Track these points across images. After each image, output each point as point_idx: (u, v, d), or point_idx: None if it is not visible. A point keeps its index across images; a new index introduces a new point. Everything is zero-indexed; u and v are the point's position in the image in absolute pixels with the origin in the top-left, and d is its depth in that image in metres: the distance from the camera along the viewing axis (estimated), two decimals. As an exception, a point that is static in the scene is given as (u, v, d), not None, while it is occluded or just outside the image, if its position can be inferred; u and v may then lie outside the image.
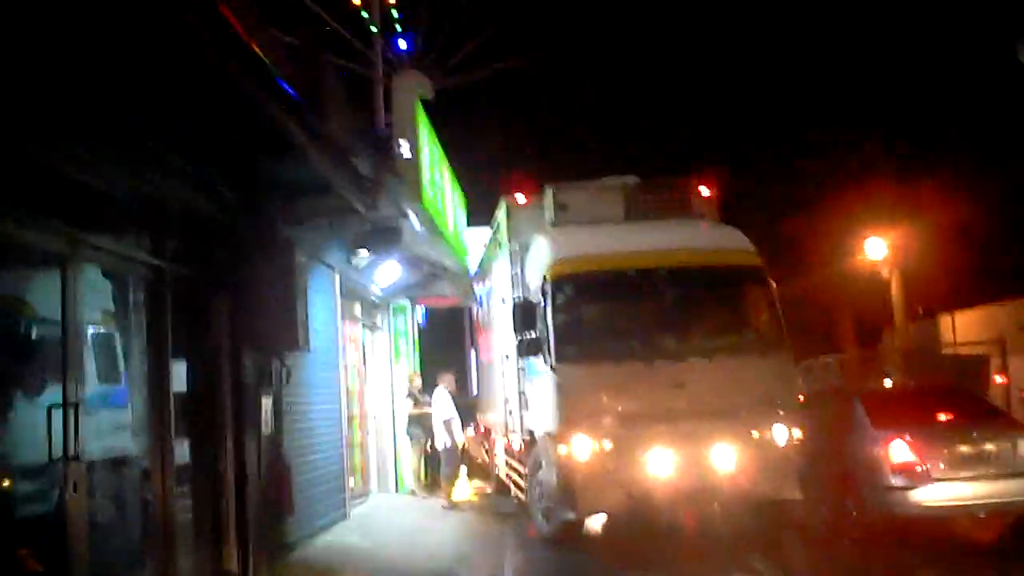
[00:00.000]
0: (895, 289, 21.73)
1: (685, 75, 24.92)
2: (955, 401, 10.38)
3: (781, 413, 9.21)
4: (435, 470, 14.24)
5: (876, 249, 21.98)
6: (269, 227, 8.04)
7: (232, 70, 5.45)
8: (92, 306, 8.38)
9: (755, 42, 24.15)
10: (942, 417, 9.72)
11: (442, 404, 13.45)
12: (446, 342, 21.50)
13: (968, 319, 20.71)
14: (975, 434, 9.07)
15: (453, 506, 12.87)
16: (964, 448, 8.94)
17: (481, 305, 15.67)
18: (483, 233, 16.10)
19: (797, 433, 9.25)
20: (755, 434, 9.15)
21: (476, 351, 17.98)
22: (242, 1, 5.52)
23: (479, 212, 15.97)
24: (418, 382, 14.46)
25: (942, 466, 8.80)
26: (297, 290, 7.97)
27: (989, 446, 8.94)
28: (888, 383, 16.84)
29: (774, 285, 9.81)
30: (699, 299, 9.94)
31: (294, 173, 7.39)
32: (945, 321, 21.69)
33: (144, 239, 6.63)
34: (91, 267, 6.29)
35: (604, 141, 24.00)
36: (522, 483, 11.39)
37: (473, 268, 15.47)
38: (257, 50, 5.54)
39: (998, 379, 14.00)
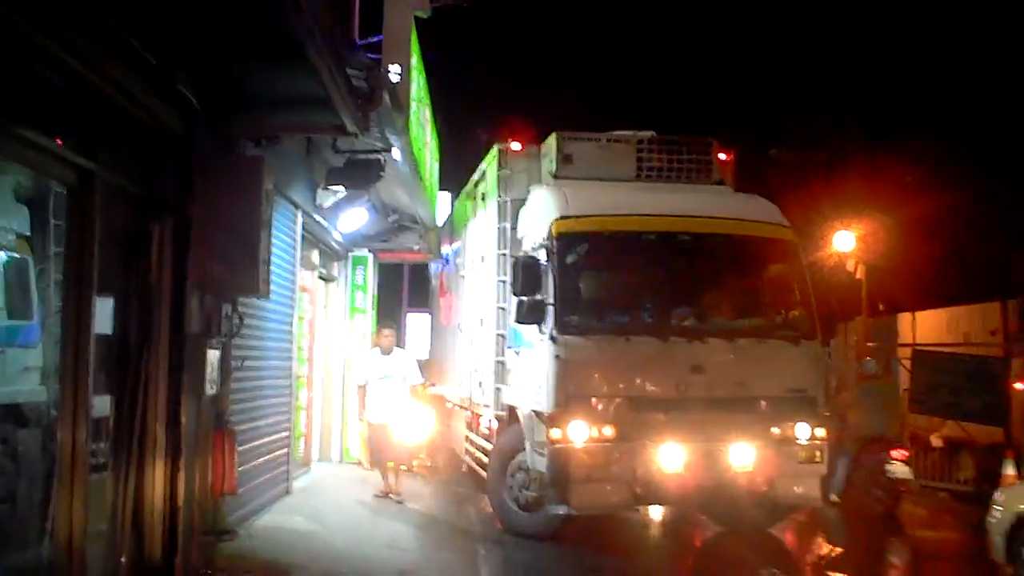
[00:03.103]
0: (859, 282, 21.25)
1: (662, 56, 24.02)
2: None
3: (808, 408, 8.09)
4: None
5: (844, 241, 21.52)
6: (235, 144, 6.55)
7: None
8: (1, 223, 6.93)
9: (727, 29, 23.43)
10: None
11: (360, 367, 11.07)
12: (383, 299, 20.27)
13: (930, 319, 20.15)
14: None
15: (385, 495, 10.32)
16: None
17: (446, 264, 14.38)
18: (444, 196, 15.02)
19: (821, 432, 8.16)
20: (777, 431, 8.02)
21: (433, 314, 16.71)
22: None
23: (447, 176, 14.79)
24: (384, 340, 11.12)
25: None
26: (262, 222, 6.47)
27: None
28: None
29: (806, 262, 8.68)
30: (723, 272, 8.83)
31: (284, 78, 5.93)
32: (905, 319, 21.13)
33: (73, 133, 5.06)
34: (2, 171, 4.76)
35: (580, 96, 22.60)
36: (485, 463, 10.17)
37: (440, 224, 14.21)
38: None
39: (1019, 385, 13.14)
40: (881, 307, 22.75)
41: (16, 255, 7.99)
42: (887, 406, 11.18)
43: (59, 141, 4.93)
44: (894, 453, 10.17)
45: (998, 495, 7.86)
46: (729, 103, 23.65)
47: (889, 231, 20.57)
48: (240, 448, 7.11)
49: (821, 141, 23.44)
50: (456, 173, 14.44)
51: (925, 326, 20.01)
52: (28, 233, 7.81)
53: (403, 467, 10.78)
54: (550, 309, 8.01)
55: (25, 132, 4.61)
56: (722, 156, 9.70)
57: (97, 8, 4.66)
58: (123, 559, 5.66)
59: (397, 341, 11.20)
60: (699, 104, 23.49)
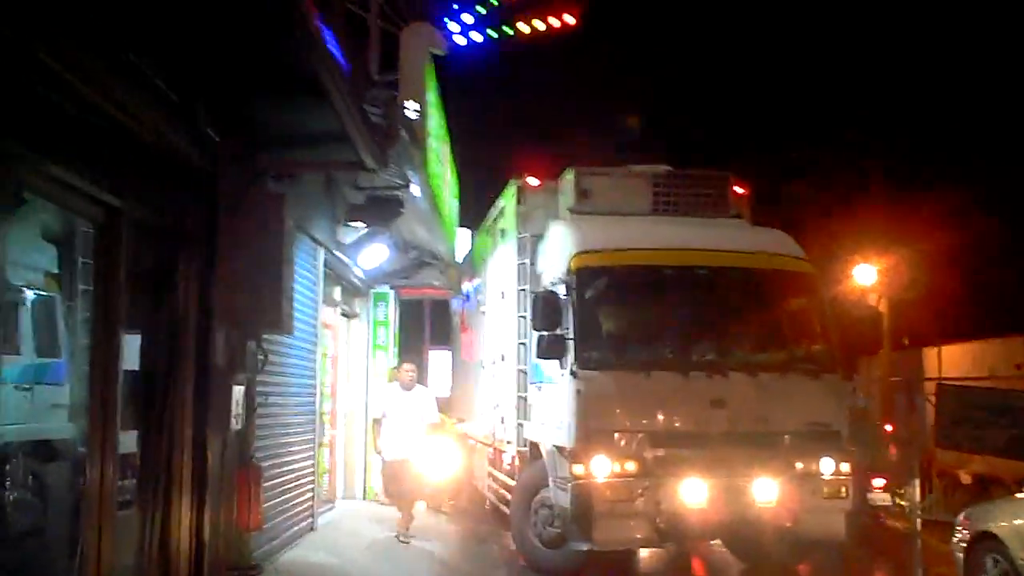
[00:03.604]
0: (882, 316, 21.09)
1: (673, 87, 24.03)
2: None
3: (831, 442, 8.04)
4: None
5: (865, 275, 21.44)
6: (258, 180, 6.65)
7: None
8: (30, 261, 7.04)
9: (749, 62, 23.48)
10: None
11: (377, 400, 10.99)
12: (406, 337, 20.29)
13: (955, 353, 19.94)
14: None
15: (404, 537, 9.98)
16: None
17: (468, 301, 14.41)
18: (464, 232, 15.08)
19: (846, 467, 8.08)
20: (800, 466, 7.96)
21: (455, 351, 16.73)
22: None
23: (466, 212, 14.88)
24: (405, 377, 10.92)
25: None
26: (285, 259, 6.56)
27: None
28: None
29: (826, 296, 8.66)
30: (743, 306, 8.77)
31: (303, 115, 6.04)
32: (931, 353, 20.93)
33: (101, 170, 5.17)
34: (31, 203, 4.86)
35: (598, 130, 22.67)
36: (508, 500, 10.11)
37: (461, 262, 14.23)
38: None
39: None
40: (906, 341, 22.57)
41: (45, 293, 8.14)
42: (862, 434, 11.08)
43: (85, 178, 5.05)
44: (875, 481, 10.05)
45: (962, 515, 7.99)
46: (751, 137, 23.69)
47: (912, 264, 20.46)
48: (265, 484, 7.15)
49: (843, 174, 23.36)
50: (475, 210, 14.52)
51: (950, 360, 19.77)
52: (56, 271, 7.95)
53: (425, 506, 10.75)
54: (570, 344, 8.01)
55: (54, 170, 4.73)
56: (738, 190, 9.71)
57: (122, 48, 4.79)
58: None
59: (419, 378, 11.15)
60: (720, 138, 23.55)
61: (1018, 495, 8.34)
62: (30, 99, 4.33)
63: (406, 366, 10.85)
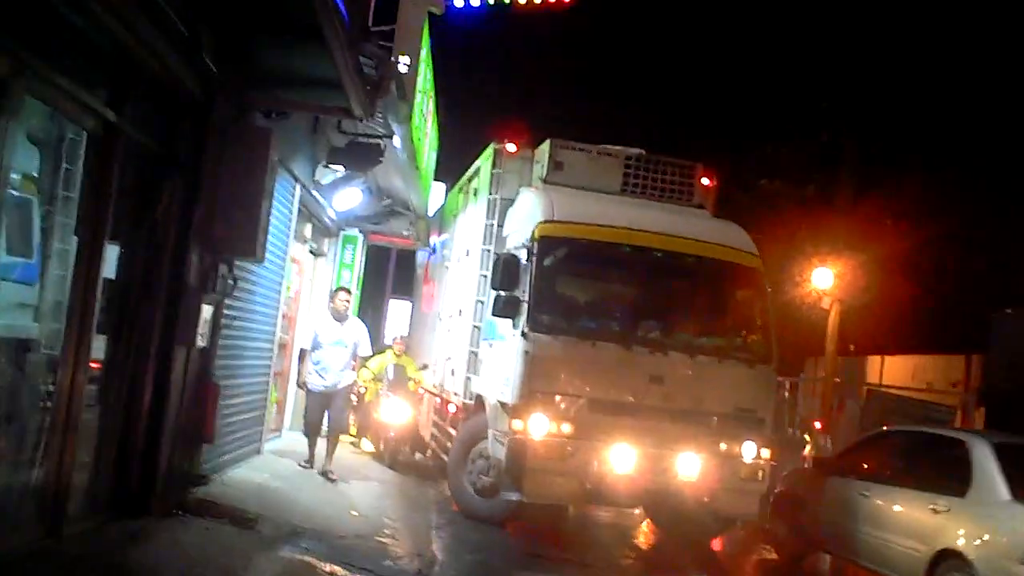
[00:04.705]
0: (832, 319, 21.68)
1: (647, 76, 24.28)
2: None
3: (755, 427, 8.59)
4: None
5: (822, 278, 21.91)
6: (247, 113, 6.95)
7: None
8: (16, 156, 7.22)
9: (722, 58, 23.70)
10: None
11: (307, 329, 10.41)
12: (371, 284, 20.54)
13: (898, 364, 20.68)
14: None
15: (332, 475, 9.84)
16: None
17: (433, 254, 14.78)
18: (439, 187, 15.38)
19: (766, 452, 8.64)
20: (724, 446, 8.50)
21: (414, 301, 17.10)
22: None
23: (445, 168, 15.15)
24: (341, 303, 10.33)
25: None
26: (265, 191, 6.88)
27: None
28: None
29: (769, 291, 9.15)
30: (691, 291, 9.26)
31: (300, 57, 6.32)
32: (875, 361, 21.63)
33: (101, 85, 5.46)
34: (27, 104, 5.12)
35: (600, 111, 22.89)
36: (448, 448, 10.58)
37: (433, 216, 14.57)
38: None
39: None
40: (852, 348, 23.22)
41: (21, 194, 8.31)
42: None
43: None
44: None
45: None
46: (721, 131, 23.97)
47: (868, 272, 20.96)
48: (221, 402, 7.51)
49: (812, 175, 23.68)
50: (453, 165, 14.80)
51: (892, 370, 20.50)
52: (36, 174, 8.13)
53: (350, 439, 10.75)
54: (524, 307, 8.43)
55: (59, 78, 5.00)
56: (705, 181, 10.09)
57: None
58: (105, 490, 6.07)
59: (376, 324, 11.32)
60: (691, 128, 23.86)
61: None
62: (40, 7, 4.62)
63: (341, 293, 10.43)
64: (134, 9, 5.21)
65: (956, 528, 7.20)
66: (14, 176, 7.35)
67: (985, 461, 7.43)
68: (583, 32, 22.56)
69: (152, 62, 5.72)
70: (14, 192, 7.84)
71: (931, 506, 7.52)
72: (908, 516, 7.84)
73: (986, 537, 7.02)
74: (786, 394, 19.68)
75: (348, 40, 6.28)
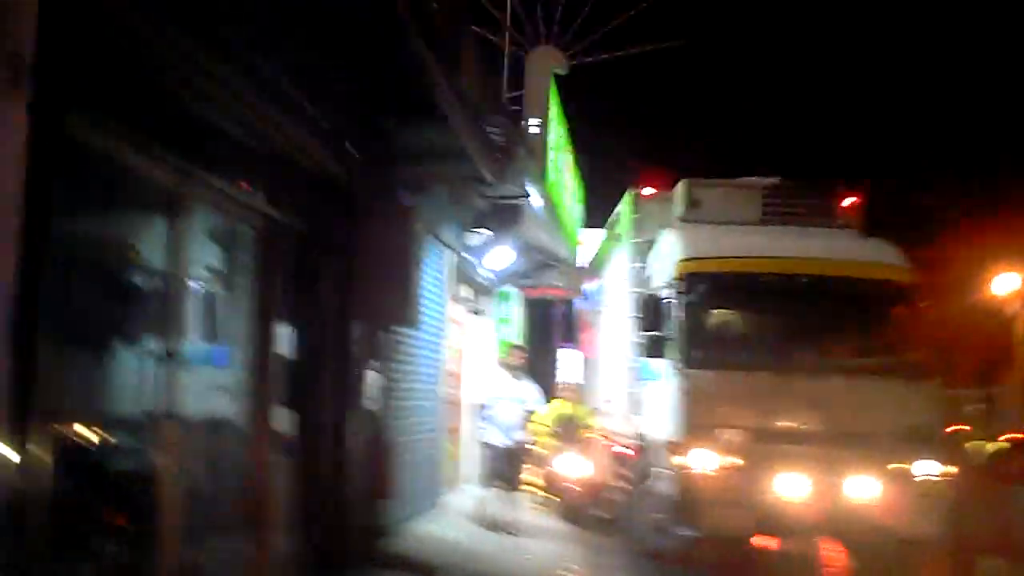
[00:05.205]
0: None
1: (822, 81, 23.96)
2: None
3: (926, 444, 8.31)
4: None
5: (1006, 284, 20.83)
6: (390, 192, 7.57)
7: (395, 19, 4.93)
8: (199, 255, 8.02)
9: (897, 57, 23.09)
10: None
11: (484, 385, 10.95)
12: (541, 336, 20.97)
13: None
14: None
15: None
16: None
17: (589, 300, 15.06)
18: (595, 234, 15.65)
19: (943, 468, 8.31)
20: (898, 465, 8.24)
21: (580, 349, 17.37)
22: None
23: (594, 213, 15.46)
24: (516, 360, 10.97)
25: None
26: (412, 260, 7.44)
27: None
28: None
29: (928, 305, 8.87)
30: (843, 313, 9.05)
31: (428, 136, 6.89)
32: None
33: (261, 187, 6.15)
34: (202, 211, 5.83)
35: (735, 143, 22.85)
36: (623, 489, 10.70)
37: (584, 264, 14.87)
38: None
39: None
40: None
41: (207, 287, 9.27)
42: None
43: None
44: None
45: None
46: (894, 146, 23.36)
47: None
48: (396, 460, 8.05)
49: (984, 184, 22.65)
50: (608, 210, 15.05)
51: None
52: (217, 266, 9.07)
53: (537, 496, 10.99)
54: (675, 344, 8.56)
55: (221, 183, 5.72)
56: (849, 200, 9.97)
57: (281, 80, 5.72)
58: (301, 552, 6.67)
59: (549, 371, 11.49)
60: (855, 147, 23.34)
61: None
62: (198, 122, 5.32)
63: (515, 351, 10.88)
64: (285, 118, 5.89)
65: None
66: (200, 271, 8.20)
67: None
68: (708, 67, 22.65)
69: (301, 158, 6.40)
70: (201, 285, 8.75)
71: None
72: None
73: None
74: (970, 407, 18.69)
75: (470, 112, 6.77)
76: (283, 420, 6.73)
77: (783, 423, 8.42)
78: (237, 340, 6.49)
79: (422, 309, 7.96)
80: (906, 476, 8.26)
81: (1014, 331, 20.26)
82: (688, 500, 8.38)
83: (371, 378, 7.37)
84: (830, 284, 8.82)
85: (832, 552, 9.45)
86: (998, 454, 13.00)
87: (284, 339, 6.73)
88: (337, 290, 7.10)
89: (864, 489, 8.20)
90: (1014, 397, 20.05)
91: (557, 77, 10.22)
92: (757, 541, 9.00)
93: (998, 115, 22.32)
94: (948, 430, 9.00)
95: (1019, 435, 15.32)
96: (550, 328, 22.38)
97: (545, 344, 20.97)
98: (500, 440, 10.30)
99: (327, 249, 7.06)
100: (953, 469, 8.48)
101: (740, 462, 8.25)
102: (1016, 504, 8.32)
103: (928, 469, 8.28)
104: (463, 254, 10.92)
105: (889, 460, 8.25)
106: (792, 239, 9.30)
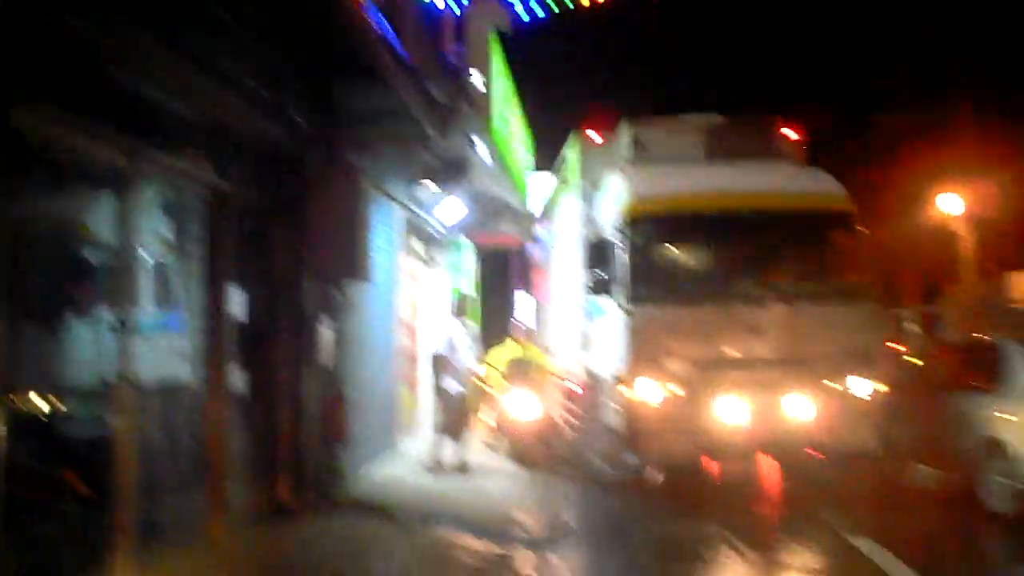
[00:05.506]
0: (968, 244, 21.11)
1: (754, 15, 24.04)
2: None
3: (863, 364, 8.77)
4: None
5: (949, 204, 21.36)
6: (336, 154, 7.76)
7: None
8: (150, 228, 8.18)
9: None
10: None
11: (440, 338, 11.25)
12: (495, 283, 21.27)
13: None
14: None
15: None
16: None
17: (541, 246, 15.34)
18: (546, 178, 15.84)
19: (879, 386, 8.80)
20: (834, 385, 8.71)
21: (533, 293, 17.68)
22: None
23: (544, 157, 15.60)
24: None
25: None
26: (361, 219, 7.68)
27: None
28: None
29: (864, 231, 9.26)
30: (783, 244, 9.36)
31: (370, 99, 7.10)
32: (1018, 278, 20.87)
33: (208, 160, 6.34)
34: (150, 186, 6.03)
35: (676, 82, 22.98)
36: (574, 425, 11.14)
37: (535, 209, 15.14)
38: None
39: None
40: (997, 268, 22.43)
41: (160, 252, 9.44)
42: None
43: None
44: None
45: None
46: (833, 67, 23.57)
47: (1003, 189, 20.36)
48: (351, 409, 8.34)
49: (928, 102, 23.04)
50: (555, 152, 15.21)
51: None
52: (170, 231, 9.24)
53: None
54: (622, 282, 8.90)
55: (175, 162, 5.93)
56: (790, 133, 10.31)
57: (219, 56, 5.88)
58: (261, 500, 7.01)
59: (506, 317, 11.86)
60: (801, 71, 23.55)
61: None
62: (143, 101, 5.49)
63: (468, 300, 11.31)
64: (220, 87, 6.04)
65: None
66: (152, 243, 8.35)
67: None
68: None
69: (246, 129, 6.59)
70: (153, 256, 8.89)
71: None
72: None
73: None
74: (908, 324, 19.30)
75: (413, 72, 6.97)
76: (239, 380, 7.04)
77: (726, 352, 8.79)
78: (191, 307, 6.71)
79: (373, 264, 8.19)
80: (842, 395, 8.73)
81: (957, 249, 20.84)
82: (635, 430, 8.80)
83: (325, 334, 7.64)
84: (770, 217, 9.13)
85: (770, 470, 9.99)
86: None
87: (238, 303, 6.98)
88: (289, 252, 7.34)
89: (801, 409, 8.66)
90: (958, 313, 20.69)
91: (500, 32, 10.35)
92: (702, 465, 9.49)
93: (940, 36, 22.51)
94: (883, 347, 9.37)
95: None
96: (506, 275, 22.70)
97: (501, 291, 21.30)
98: (454, 387, 10.66)
99: (278, 214, 7.29)
100: (885, 386, 8.98)
101: (683, 391, 8.66)
102: (946, 415, 8.82)
103: (862, 386, 8.77)
104: (413, 208, 11.13)
105: (827, 378, 8.69)
106: (733, 175, 9.58)
